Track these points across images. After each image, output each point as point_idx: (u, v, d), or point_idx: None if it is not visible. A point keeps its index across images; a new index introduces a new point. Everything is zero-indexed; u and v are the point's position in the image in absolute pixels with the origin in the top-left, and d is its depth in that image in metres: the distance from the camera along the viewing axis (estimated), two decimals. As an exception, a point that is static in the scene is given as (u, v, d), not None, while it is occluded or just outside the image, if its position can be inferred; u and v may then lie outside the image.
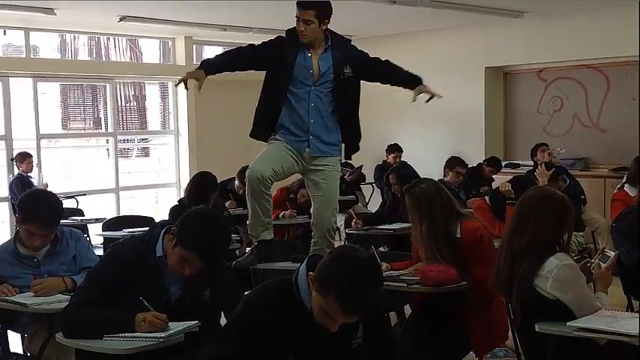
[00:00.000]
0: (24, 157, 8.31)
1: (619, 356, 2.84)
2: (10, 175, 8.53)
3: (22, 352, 3.57)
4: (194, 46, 10.31)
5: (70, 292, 3.21)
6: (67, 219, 6.49)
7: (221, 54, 4.33)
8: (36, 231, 3.43)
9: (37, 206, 3.46)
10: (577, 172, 8.06)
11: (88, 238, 6.58)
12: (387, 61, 4.33)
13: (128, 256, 2.84)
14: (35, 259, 3.50)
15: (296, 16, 4.07)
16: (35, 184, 8.21)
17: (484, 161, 8.61)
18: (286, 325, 2.40)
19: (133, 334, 2.67)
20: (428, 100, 4.24)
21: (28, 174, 8.30)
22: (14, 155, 8.48)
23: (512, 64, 9.51)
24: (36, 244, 3.46)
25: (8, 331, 3.54)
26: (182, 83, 4.10)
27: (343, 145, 4.34)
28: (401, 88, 4.39)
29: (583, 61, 8.80)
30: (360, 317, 2.41)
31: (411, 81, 4.30)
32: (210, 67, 4.19)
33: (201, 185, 5.59)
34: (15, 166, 8.38)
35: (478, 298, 3.58)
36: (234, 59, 4.27)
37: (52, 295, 3.27)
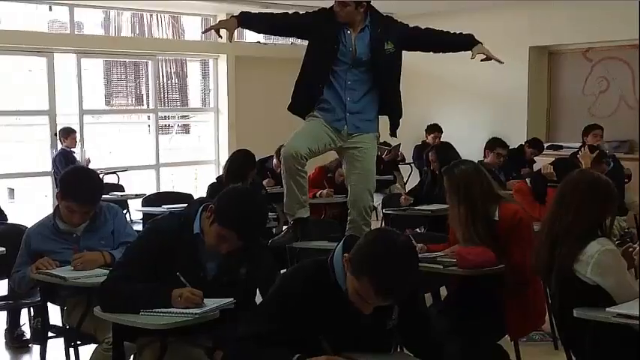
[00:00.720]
0: (68, 133, 8.44)
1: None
2: (54, 150, 8.68)
3: (60, 325, 3.63)
4: (235, 23, 10.30)
5: (109, 266, 3.26)
6: (107, 194, 6.60)
7: (264, 13, 4.25)
8: (76, 208, 3.47)
9: (78, 184, 3.50)
10: (621, 155, 7.89)
11: (127, 214, 6.70)
12: (428, 28, 4.26)
13: (166, 232, 2.86)
14: (74, 235, 3.55)
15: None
16: (78, 159, 8.35)
17: (526, 142, 8.48)
18: (321, 306, 2.39)
19: (169, 310, 2.69)
20: (484, 60, 4.14)
21: (72, 149, 8.44)
22: (58, 130, 8.62)
23: (557, 43, 9.32)
24: (75, 220, 3.52)
25: (48, 303, 3.60)
26: (212, 30, 4.09)
27: (388, 122, 4.30)
28: (450, 53, 4.30)
29: (630, 41, 8.56)
30: (394, 300, 2.40)
31: (463, 41, 4.22)
32: (247, 20, 4.14)
33: (240, 163, 5.62)
34: (59, 141, 8.52)
35: (515, 281, 3.54)
36: (278, 22, 4.24)
37: (91, 269, 3.32)
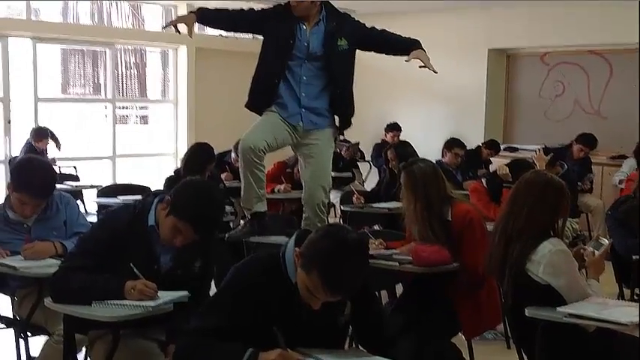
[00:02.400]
0: (41, 137, 7.88)
1: (607, 344, 2.84)
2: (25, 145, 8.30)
3: (11, 316, 3.55)
4: (196, 14, 10.20)
5: (61, 256, 3.20)
6: (62, 184, 6.48)
7: (221, 9, 4.21)
8: (28, 201, 3.40)
9: (31, 176, 3.41)
10: (576, 158, 8.02)
11: (82, 204, 6.59)
12: (383, 30, 4.27)
13: (120, 223, 2.82)
14: (25, 225, 3.48)
15: None
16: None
17: (483, 144, 8.59)
18: (272, 299, 2.38)
19: (121, 302, 2.66)
20: (422, 67, 4.15)
21: (42, 149, 7.89)
22: (31, 129, 8.07)
23: (515, 46, 9.46)
24: (27, 212, 3.44)
25: (-2, 294, 3.53)
26: (171, 26, 4.08)
27: (337, 118, 4.30)
28: (399, 56, 4.29)
29: (587, 47, 8.75)
30: (343, 297, 2.40)
31: (408, 46, 4.21)
32: (205, 16, 4.15)
33: (198, 156, 5.57)
34: (30, 139, 7.97)
35: (468, 280, 3.58)
36: (235, 18, 4.21)
37: (42, 259, 3.26)
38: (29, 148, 7.91)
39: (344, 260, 2.27)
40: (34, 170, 3.46)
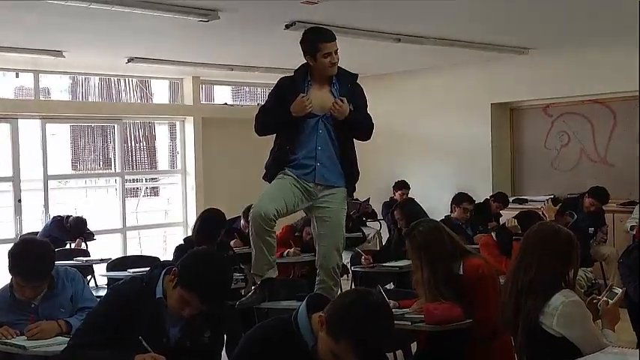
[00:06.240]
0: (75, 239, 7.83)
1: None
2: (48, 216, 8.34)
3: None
4: (202, 85, 10.40)
5: (66, 334, 3.18)
6: (72, 260, 6.49)
7: (260, 119, 4.25)
8: (23, 284, 3.40)
9: (24, 260, 3.41)
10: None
11: (92, 279, 6.58)
12: (365, 118, 4.26)
13: (127, 297, 2.81)
14: (32, 305, 3.47)
15: (324, 53, 4.02)
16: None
17: (491, 197, 8.58)
18: (284, 364, 2.37)
19: (131, 377, 2.64)
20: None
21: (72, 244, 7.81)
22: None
23: (518, 99, 9.53)
24: (27, 295, 3.44)
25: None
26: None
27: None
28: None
29: (589, 96, 8.80)
30: None
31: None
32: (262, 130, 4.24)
33: (210, 222, 5.58)
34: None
35: (482, 335, 3.54)
36: (269, 122, 4.23)
37: (47, 339, 3.23)
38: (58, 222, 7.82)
39: (376, 328, 2.28)
40: (29, 254, 3.44)
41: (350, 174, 4.25)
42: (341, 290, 4.66)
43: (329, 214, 4.19)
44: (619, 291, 3.13)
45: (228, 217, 6.51)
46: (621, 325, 3.12)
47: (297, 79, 4.16)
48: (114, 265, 6.08)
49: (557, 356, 2.82)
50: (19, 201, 8.61)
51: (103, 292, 4.92)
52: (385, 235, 8.77)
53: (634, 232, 6.99)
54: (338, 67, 4.15)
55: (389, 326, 2.35)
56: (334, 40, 4.07)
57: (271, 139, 4.33)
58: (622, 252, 4.67)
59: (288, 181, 4.14)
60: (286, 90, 4.17)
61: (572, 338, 2.83)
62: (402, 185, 9.34)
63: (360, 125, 4.22)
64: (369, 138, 4.31)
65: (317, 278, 4.25)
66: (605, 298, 3.10)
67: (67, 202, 9.69)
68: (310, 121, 4.12)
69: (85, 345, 2.74)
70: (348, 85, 4.17)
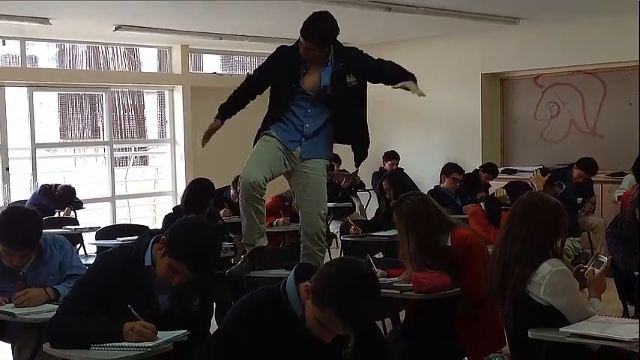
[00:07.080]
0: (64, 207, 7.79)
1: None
2: (36, 184, 8.27)
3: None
4: (191, 54, 10.31)
5: (54, 302, 3.18)
6: (61, 228, 6.48)
7: (232, 96, 4.36)
8: (11, 252, 3.39)
9: (11, 228, 3.39)
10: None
11: (81, 247, 6.57)
12: (390, 62, 4.28)
13: (116, 265, 2.81)
14: (21, 272, 3.46)
15: (304, 46, 4.02)
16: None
17: (480, 167, 8.60)
18: (274, 333, 2.38)
19: (120, 344, 2.65)
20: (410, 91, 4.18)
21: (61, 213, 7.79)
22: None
23: (508, 70, 9.51)
24: (15, 262, 3.43)
25: (-2, 341, 3.51)
26: (206, 140, 4.35)
27: (352, 153, 4.33)
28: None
29: (579, 67, 8.79)
30: (356, 330, 2.40)
31: (408, 78, 4.23)
32: (226, 113, 4.31)
33: (198, 191, 5.58)
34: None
35: (470, 304, 3.56)
36: (245, 94, 4.32)
37: (35, 305, 3.24)
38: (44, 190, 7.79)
39: (362, 297, 2.29)
40: (16, 223, 3.42)
41: (358, 145, 4.28)
42: (330, 258, 4.69)
43: (310, 181, 4.23)
44: (605, 259, 3.15)
45: (217, 187, 6.50)
46: (607, 294, 3.15)
47: (296, 51, 4.12)
48: (103, 233, 6.07)
49: (543, 324, 2.84)
50: (7, 169, 8.56)
51: (92, 261, 4.92)
52: (373, 205, 8.79)
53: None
54: (335, 43, 4.11)
55: (374, 294, 2.35)
56: (310, 41, 3.99)
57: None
58: (610, 222, 4.70)
59: (273, 144, 4.18)
60: (281, 58, 4.19)
61: (559, 307, 2.86)
62: (391, 155, 9.34)
63: (386, 75, 4.22)
64: (403, 70, 4.26)
65: (302, 245, 4.29)
66: (591, 267, 3.12)
67: (56, 171, 9.61)
68: (300, 99, 4.15)
69: (73, 312, 2.74)
70: (341, 63, 4.12)
